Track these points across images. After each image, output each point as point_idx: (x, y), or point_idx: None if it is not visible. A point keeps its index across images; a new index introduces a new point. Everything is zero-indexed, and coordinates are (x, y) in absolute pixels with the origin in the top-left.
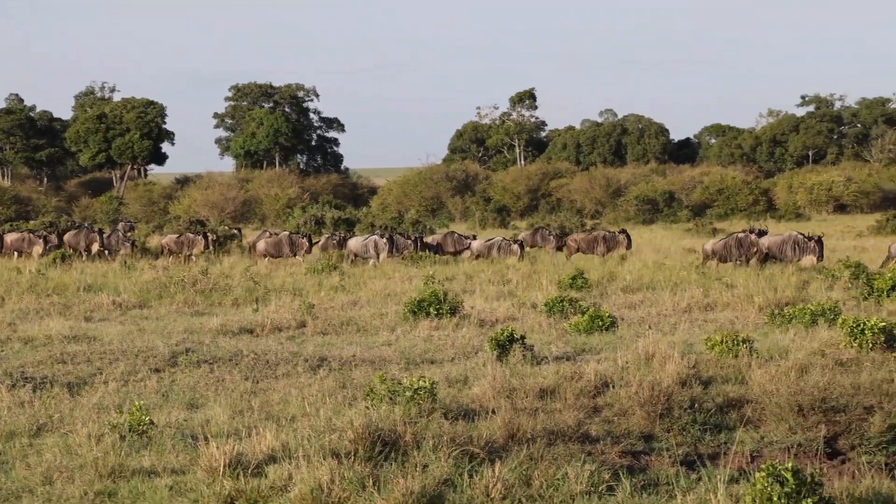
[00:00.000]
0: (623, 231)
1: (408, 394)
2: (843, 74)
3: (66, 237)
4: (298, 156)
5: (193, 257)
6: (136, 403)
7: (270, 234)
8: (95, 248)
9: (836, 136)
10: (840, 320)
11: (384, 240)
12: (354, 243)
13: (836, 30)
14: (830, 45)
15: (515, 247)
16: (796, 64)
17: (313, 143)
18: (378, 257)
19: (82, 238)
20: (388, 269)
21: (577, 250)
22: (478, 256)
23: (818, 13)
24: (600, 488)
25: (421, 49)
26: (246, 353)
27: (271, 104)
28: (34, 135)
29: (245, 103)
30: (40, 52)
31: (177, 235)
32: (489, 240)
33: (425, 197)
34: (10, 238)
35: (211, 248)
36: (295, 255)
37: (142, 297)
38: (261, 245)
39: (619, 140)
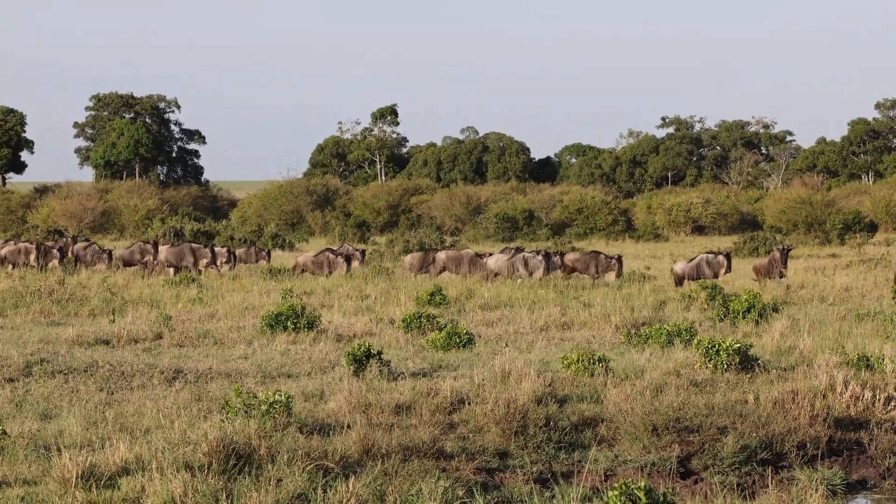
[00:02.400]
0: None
1: (263, 407)
2: (703, 97)
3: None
4: (159, 167)
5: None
6: None
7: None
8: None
9: (695, 158)
10: (696, 341)
11: (539, 257)
12: (496, 261)
13: (696, 52)
14: (691, 67)
15: (722, 258)
16: (656, 85)
17: (174, 154)
18: (530, 277)
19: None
20: (247, 282)
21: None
22: (681, 280)
23: (674, 35)
24: None
25: (283, 62)
26: (101, 364)
27: (132, 114)
28: None
29: (106, 113)
30: None
31: (314, 254)
32: (691, 259)
33: (285, 211)
34: None
35: (360, 262)
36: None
37: None
38: (408, 259)
39: (480, 158)
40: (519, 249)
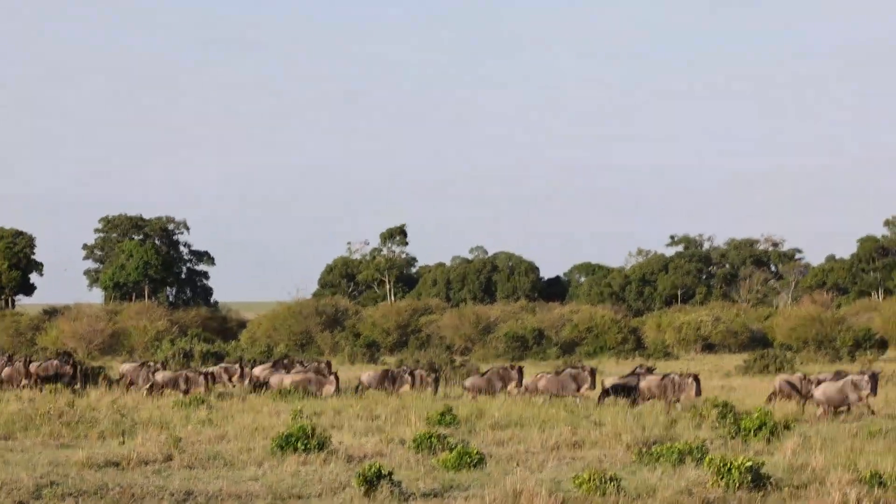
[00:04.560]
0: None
1: None
2: (711, 215)
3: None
4: (168, 288)
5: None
6: None
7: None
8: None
9: (704, 276)
10: (707, 459)
11: (866, 377)
12: (825, 390)
13: (704, 171)
14: (699, 185)
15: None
16: (665, 204)
17: (183, 275)
18: (859, 400)
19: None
20: (257, 402)
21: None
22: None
23: (681, 157)
24: None
25: (291, 183)
26: (111, 487)
27: (141, 236)
28: None
29: (115, 235)
30: None
31: (556, 373)
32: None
33: (294, 331)
34: None
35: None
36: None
37: (7, 429)
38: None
39: (490, 277)
40: (839, 374)
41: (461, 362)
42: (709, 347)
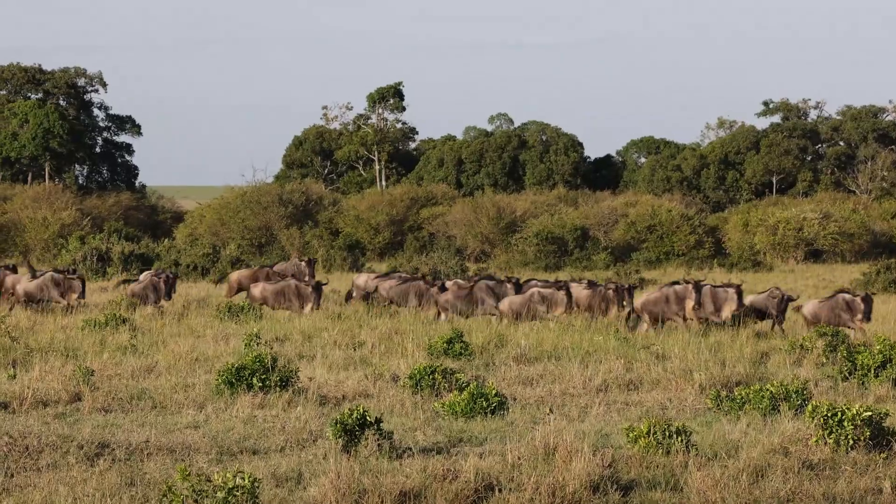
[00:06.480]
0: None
1: (220, 494)
2: (821, 75)
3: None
4: (77, 166)
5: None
6: None
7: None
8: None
9: (810, 158)
10: (810, 407)
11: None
12: None
13: (812, 21)
14: (804, 35)
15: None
16: (759, 60)
17: (98, 149)
18: None
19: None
20: (197, 323)
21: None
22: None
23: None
24: None
25: (247, 26)
26: None
27: (40, 95)
28: None
29: (3, 92)
30: None
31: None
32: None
33: (249, 227)
34: None
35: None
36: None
37: None
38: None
39: (516, 156)
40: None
41: (476, 271)
42: (815, 255)
